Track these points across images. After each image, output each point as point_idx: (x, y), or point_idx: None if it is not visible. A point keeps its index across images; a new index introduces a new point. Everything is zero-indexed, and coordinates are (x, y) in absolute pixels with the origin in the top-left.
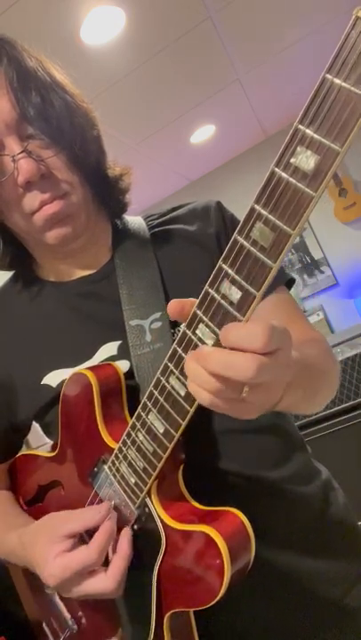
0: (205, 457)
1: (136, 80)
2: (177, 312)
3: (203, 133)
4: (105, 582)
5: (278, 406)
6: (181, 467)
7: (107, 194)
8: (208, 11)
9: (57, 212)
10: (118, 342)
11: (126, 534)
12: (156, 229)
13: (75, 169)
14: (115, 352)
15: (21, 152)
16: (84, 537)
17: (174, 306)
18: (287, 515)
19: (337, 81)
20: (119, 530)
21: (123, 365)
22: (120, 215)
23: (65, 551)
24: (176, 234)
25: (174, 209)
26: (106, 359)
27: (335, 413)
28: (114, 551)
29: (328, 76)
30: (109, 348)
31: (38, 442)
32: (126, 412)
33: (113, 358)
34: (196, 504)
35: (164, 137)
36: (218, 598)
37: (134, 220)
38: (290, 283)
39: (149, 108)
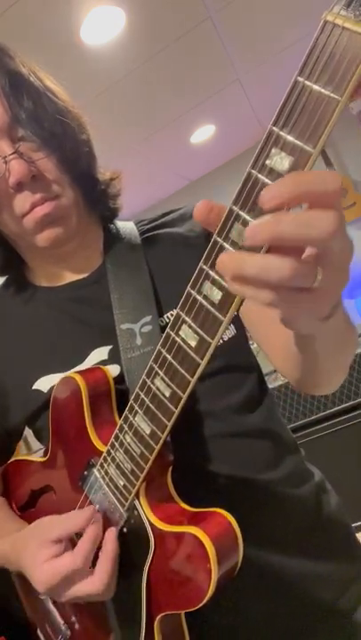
0: (196, 460)
1: (136, 80)
2: (204, 215)
3: (203, 133)
4: (92, 584)
5: (328, 320)
6: (170, 469)
7: (97, 198)
8: (208, 11)
9: (48, 214)
10: (109, 347)
11: (111, 535)
12: (147, 234)
13: (65, 171)
14: (106, 356)
15: (12, 153)
16: (74, 539)
17: (202, 206)
18: (279, 517)
19: (308, 83)
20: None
21: (113, 369)
22: (111, 220)
23: (53, 556)
24: (166, 238)
25: (165, 214)
26: (97, 364)
27: (335, 413)
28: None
29: (300, 78)
30: (100, 353)
31: (39, 444)
32: (116, 416)
33: (104, 363)
34: (185, 506)
35: (164, 137)
36: (206, 599)
37: (125, 225)
38: None
39: (149, 108)
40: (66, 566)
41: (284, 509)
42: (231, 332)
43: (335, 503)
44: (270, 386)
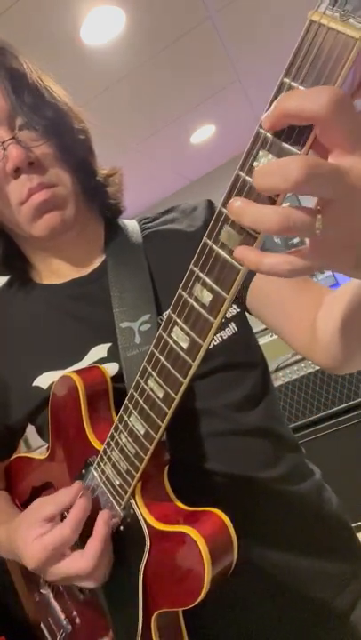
0: (194, 458)
1: (136, 80)
2: None
3: (203, 133)
4: (80, 563)
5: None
6: (166, 468)
7: (96, 193)
8: (208, 11)
9: (46, 201)
10: (108, 344)
11: (103, 516)
12: (148, 231)
13: (63, 160)
14: (104, 354)
15: (10, 139)
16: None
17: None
18: (279, 514)
19: (294, 84)
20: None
21: (112, 368)
22: (114, 217)
23: (43, 534)
24: (167, 235)
25: (167, 211)
26: (96, 361)
27: (335, 413)
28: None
29: (286, 79)
30: (99, 350)
31: (39, 442)
32: (113, 415)
33: (103, 360)
34: (181, 505)
35: (164, 137)
36: (200, 598)
37: (128, 223)
38: None
39: (149, 107)
40: (55, 538)
41: (283, 506)
42: (232, 330)
43: (335, 502)
44: None
